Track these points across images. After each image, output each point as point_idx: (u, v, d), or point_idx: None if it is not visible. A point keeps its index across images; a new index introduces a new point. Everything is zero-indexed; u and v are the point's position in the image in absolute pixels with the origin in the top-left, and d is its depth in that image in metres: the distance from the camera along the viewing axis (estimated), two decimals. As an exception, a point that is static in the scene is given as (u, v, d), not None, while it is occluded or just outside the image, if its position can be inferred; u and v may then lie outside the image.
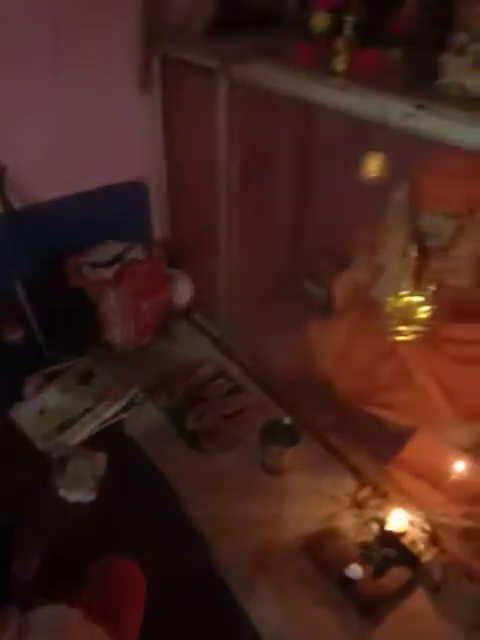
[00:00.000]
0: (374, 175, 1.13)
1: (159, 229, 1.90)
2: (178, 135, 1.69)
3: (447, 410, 1.31)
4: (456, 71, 0.92)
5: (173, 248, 1.87)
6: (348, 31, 1.04)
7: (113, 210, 1.66)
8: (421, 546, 1.15)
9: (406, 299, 1.28)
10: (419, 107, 0.91)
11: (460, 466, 1.30)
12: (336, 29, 1.06)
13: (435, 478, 1.33)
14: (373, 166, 1.13)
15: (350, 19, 1.03)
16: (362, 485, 1.32)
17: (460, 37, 0.94)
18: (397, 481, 1.34)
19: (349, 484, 1.34)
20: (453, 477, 1.31)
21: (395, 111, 0.96)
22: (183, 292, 1.82)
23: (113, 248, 1.64)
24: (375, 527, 1.20)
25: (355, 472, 1.37)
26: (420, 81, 1.01)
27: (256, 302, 1.87)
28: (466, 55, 0.91)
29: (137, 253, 1.64)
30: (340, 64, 1.08)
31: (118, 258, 1.61)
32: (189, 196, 1.77)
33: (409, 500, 1.27)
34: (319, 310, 1.77)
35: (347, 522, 1.23)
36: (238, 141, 1.44)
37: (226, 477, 1.34)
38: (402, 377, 1.40)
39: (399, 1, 1.05)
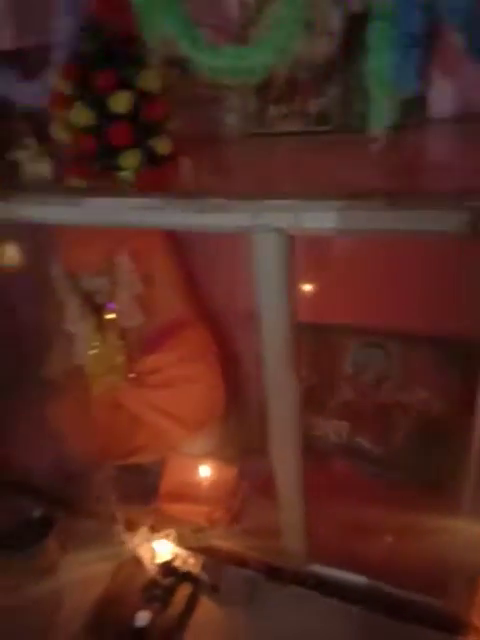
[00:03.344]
0: (11, 262, 1.23)
1: None
2: None
3: (177, 431, 1.46)
4: (27, 162, 1.07)
5: None
6: None
7: None
8: (191, 560, 1.25)
9: (100, 353, 1.40)
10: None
11: (206, 471, 1.45)
12: None
13: (194, 493, 1.46)
14: (7, 255, 1.22)
15: None
16: (133, 534, 1.37)
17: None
18: (164, 513, 1.42)
19: (124, 540, 1.37)
20: (206, 484, 1.46)
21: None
22: None
23: None
24: (151, 566, 1.26)
25: (127, 526, 1.41)
26: (11, 173, 1.14)
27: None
28: (29, 149, 1.06)
29: None
30: None
31: None
32: None
33: (177, 524, 1.37)
34: (55, 392, 1.78)
35: (126, 576, 1.26)
36: None
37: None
38: (134, 421, 1.51)
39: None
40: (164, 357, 1.43)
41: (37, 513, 1.31)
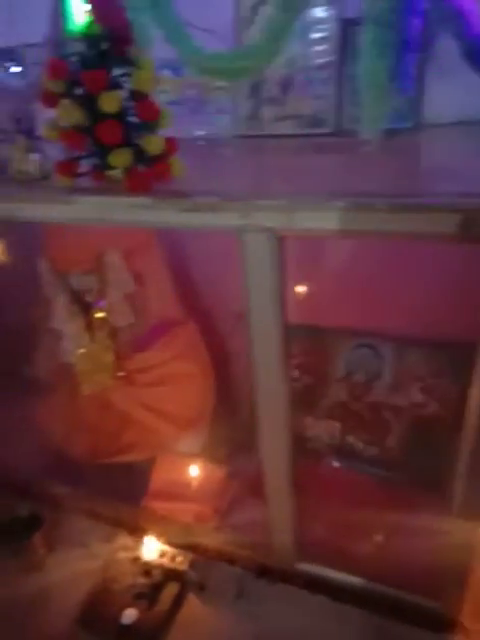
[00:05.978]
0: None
1: None
2: None
3: (167, 429, 1.45)
4: (15, 160, 1.05)
5: None
6: None
7: None
8: (179, 558, 1.25)
9: (89, 352, 1.39)
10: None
11: (195, 470, 1.45)
12: None
13: (183, 492, 1.46)
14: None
15: None
16: (121, 533, 1.37)
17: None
18: (153, 512, 1.42)
19: (111, 538, 1.37)
20: (195, 483, 1.46)
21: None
22: None
23: None
24: (139, 564, 1.26)
25: (115, 524, 1.41)
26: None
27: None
28: (19, 146, 1.05)
29: None
30: None
31: None
32: None
33: (166, 523, 1.37)
34: (41, 391, 1.77)
35: (114, 574, 1.26)
36: None
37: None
38: (124, 419, 1.51)
39: None
40: (155, 355, 1.42)
41: (24, 511, 1.31)
